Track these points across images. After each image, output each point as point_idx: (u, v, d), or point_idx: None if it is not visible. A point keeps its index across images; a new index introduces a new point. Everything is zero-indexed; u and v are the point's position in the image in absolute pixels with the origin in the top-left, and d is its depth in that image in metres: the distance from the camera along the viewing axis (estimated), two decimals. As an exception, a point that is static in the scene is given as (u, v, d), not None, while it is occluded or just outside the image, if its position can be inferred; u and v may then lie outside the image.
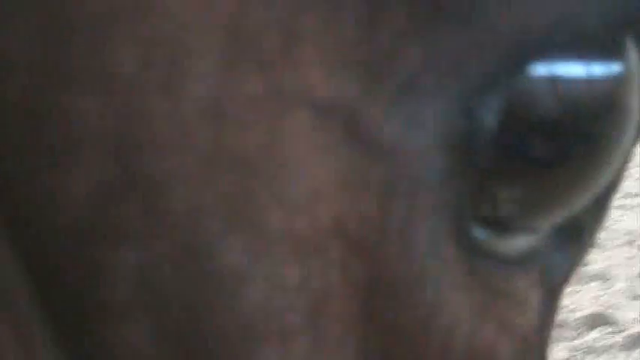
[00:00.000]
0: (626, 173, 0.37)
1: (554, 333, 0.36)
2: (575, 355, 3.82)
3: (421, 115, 0.27)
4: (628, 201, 4.96)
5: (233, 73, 0.25)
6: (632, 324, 4.14)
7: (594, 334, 3.99)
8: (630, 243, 4.57)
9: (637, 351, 4.09)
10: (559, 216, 0.33)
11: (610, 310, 4.15)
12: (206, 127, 0.25)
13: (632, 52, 0.30)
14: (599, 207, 0.36)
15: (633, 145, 0.33)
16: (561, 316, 3.62)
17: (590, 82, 0.29)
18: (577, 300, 4.14)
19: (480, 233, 0.30)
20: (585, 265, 3.90)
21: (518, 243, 0.32)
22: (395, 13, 0.26)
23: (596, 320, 4.11)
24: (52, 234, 0.25)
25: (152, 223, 0.25)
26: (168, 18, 0.24)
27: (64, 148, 0.25)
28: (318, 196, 0.27)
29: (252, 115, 0.25)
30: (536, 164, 0.30)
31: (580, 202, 0.32)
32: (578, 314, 4.10)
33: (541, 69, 0.28)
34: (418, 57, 0.26)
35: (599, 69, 0.29)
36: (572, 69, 0.29)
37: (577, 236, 0.37)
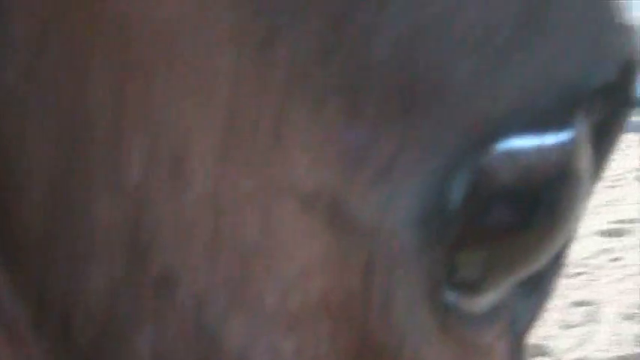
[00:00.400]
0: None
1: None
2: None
3: (397, 196, 0.30)
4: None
5: (228, 171, 0.28)
6: (566, 353, 4.32)
7: (531, 365, 4.11)
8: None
9: (571, 378, 4.26)
10: (522, 274, 0.36)
11: (545, 341, 4.30)
12: (206, 221, 0.28)
13: (581, 121, 0.34)
14: (559, 258, 0.41)
15: (587, 204, 0.37)
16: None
17: (543, 152, 0.32)
18: (512, 333, 4.26)
19: (450, 295, 0.33)
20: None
21: (486, 300, 0.35)
22: (371, 106, 0.29)
23: (532, 351, 4.25)
24: (73, 319, 0.28)
25: (164, 308, 0.28)
26: (170, 126, 0.28)
27: (82, 245, 0.28)
28: (308, 276, 0.30)
29: (246, 207, 0.29)
30: (500, 232, 0.33)
31: (541, 260, 0.35)
32: (514, 347, 4.21)
33: (501, 144, 0.31)
34: (393, 144, 0.30)
35: (551, 140, 0.32)
36: (528, 142, 0.32)
37: (539, 286, 0.40)
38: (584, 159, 0.34)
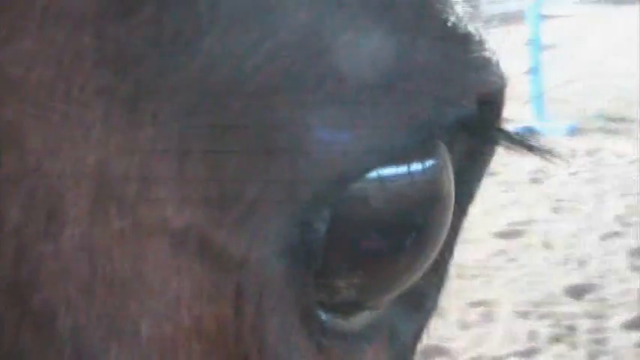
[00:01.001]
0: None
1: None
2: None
3: (263, 231, 0.33)
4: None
5: (101, 215, 0.31)
6: (464, 352, 4.41)
7: (429, 365, 4.16)
8: (459, 275, 4.85)
9: (470, 377, 4.35)
10: (395, 293, 0.39)
11: (443, 342, 4.37)
12: (82, 261, 0.31)
13: (443, 151, 0.38)
14: (438, 276, 0.45)
15: (454, 224, 0.42)
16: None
17: (411, 178, 0.36)
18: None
19: (324, 316, 0.37)
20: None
21: (361, 318, 0.39)
22: (233, 157, 0.32)
23: (430, 352, 4.30)
24: None
25: (44, 343, 0.31)
26: (45, 175, 0.31)
27: None
28: (180, 306, 0.33)
29: (119, 247, 0.32)
30: (370, 256, 0.37)
31: (413, 279, 0.39)
32: (413, 348, 4.26)
33: (370, 173, 0.35)
34: (255, 189, 0.33)
35: (416, 166, 0.36)
36: (396, 170, 0.36)
37: (419, 302, 0.45)
38: (447, 184, 0.38)
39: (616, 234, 5.93)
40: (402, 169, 0.36)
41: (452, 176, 0.38)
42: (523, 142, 0.44)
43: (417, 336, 0.45)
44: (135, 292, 0.32)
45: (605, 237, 5.85)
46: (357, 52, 0.34)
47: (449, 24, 0.36)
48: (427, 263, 0.39)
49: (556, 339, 4.57)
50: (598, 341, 4.54)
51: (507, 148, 0.43)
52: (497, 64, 0.40)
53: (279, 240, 0.33)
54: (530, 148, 0.44)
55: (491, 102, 0.40)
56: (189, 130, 0.32)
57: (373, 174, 0.35)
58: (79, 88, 0.31)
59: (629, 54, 10.43)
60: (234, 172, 0.32)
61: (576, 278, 5.24)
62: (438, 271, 0.45)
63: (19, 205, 0.30)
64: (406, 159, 0.36)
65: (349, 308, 0.38)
